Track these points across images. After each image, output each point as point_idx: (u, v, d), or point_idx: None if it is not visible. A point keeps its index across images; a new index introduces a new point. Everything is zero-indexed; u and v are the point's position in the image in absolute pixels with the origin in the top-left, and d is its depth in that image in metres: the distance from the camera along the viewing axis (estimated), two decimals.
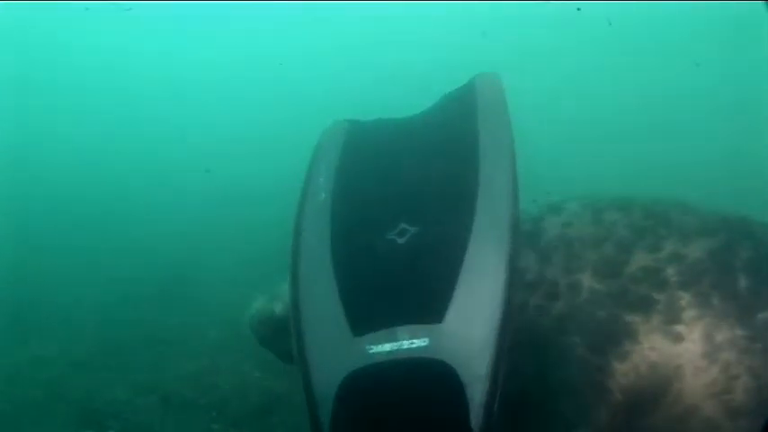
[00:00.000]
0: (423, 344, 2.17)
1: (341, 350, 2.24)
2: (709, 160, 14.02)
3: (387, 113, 3.30)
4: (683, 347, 2.65)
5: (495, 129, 2.73)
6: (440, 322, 2.21)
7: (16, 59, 21.99)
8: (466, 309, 2.23)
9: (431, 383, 2.16)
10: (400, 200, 2.61)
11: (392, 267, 2.40)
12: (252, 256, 10.03)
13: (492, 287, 2.26)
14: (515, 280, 2.31)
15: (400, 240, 2.44)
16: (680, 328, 2.67)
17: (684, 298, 2.72)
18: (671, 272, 2.78)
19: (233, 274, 9.15)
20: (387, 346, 2.19)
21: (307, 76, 22.92)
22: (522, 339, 2.41)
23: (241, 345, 6.29)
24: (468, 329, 2.20)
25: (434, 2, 21.12)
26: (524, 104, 3.62)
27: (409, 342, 2.18)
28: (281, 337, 3.27)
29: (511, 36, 19.26)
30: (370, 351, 2.20)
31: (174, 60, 25.53)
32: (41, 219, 13.10)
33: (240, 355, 6.01)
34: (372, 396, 2.20)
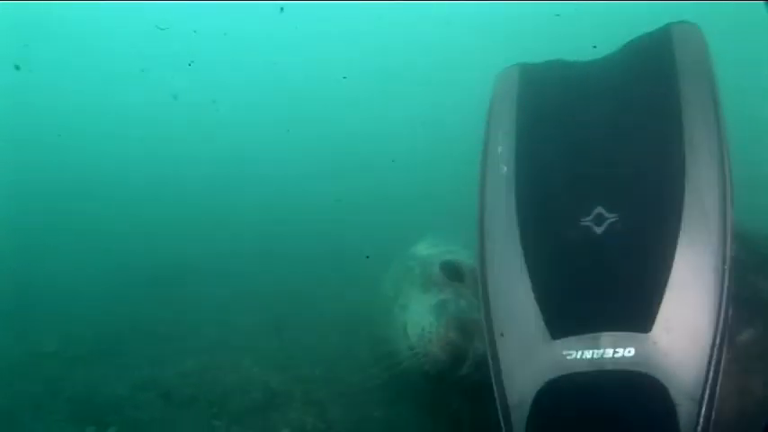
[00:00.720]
0: (628, 354, 2.02)
1: (538, 355, 2.10)
2: None
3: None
4: None
5: (701, 100, 2.34)
6: (647, 332, 2.03)
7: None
8: (677, 319, 2.02)
9: (637, 399, 2.00)
10: (593, 177, 2.33)
11: (590, 262, 2.19)
12: (245, 247, 10.06)
13: (706, 296, 2.03)
14: (731, 291, 2.06)
15: (597, 230, 2.20)
16: None
17: None
18: None
19: (227, 266, 9.17)
20: (588, 354, 2.05)
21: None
22: None
23: (239, 341, 6.33)
24: (680, 343, 2.00)
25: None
26: None
27: (613, 351, 2.03)
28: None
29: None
30: (569, 357, 2.07)
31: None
32: (34, 211, 13.02)
33: (239, 351, 6.01)
34: (572, 408, 2.07)
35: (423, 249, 3.44)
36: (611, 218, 2.21)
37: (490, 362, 2.21)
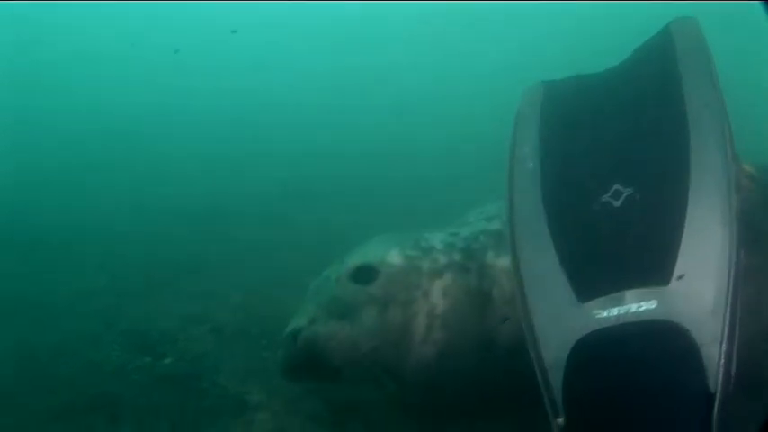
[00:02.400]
0: (651, 306, 2.17)
1: (568, 317, 2.28)
2: None
3: None
4: None
5: (698, 79, 2.63)
6: (667, 284, 2.20)
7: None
8: (693, 269, 2.20)
9: (664, 346, 2.16)
10: (610, 161, 2.59)
11: (611, 231, 2.41)
12: (286, 187, 10.17)
13: (717, 247, 2.22)
14: (741, 239, 2.26)
15: (615, 203, 2.44)
16: None
17: None
18: None
19: (270, 205, 9.29)
20: (614, 311, 2.21)
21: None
22: None
23: (284, 277, 6.41)
24: (698, 290, 2.17)
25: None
26: None
27: (637, 305, 2.19)
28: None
29: None
30: (598, 316, 2.23)
31: None
32: (84, 150, 13.26)
33: (283, 286, 6.09)
34: (604, 361, 2.22)
35: None
36: (628, 192, 2.46)
37: (525, 330, 2.40)
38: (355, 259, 3.57)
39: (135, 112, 16.61)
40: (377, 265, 3.48)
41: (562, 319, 2.29)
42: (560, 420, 2.19)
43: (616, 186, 2.46)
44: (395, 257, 3.50)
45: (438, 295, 3.40)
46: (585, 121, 2.84)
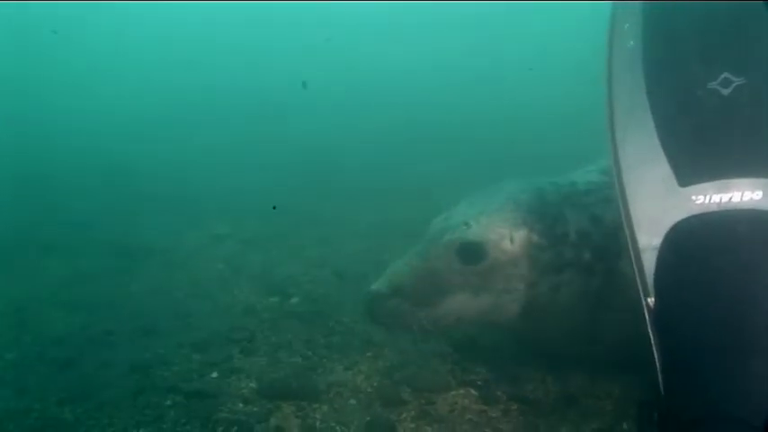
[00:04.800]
0: (756, 197, 2.15)
1: (667, 200, 2.26)
2: None
3: None
4: None
5: None
6: None
7: None
8: None
9: (765, 237, 2.13)
10: (721, 48, 2.46)
11: (718, 119, 2.33)
12: (388, 144, 10.22)
13: None
14: None
15: (724, 91, 2.33)
16: None
17: None
18: None
19: (376, 159, 9.37)
20: (716, 198, 2.19)
21: None
22: None
23: (395, 228, 6.51)
24: None
25: None
26: None
27: (741, 194, 2.17)
28: None
29: None
30: (698, 202, 2.22)
31: None
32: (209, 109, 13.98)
33: (398, 236, 6.18)
34: (700, 246, 2.21)
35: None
36: (738, 81, 2.32)
37: (621, 209, 2.36)
38: (472, 228, 3.32)
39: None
40: (489, 248, 3.25)
41: (660, 201, 2.27)
42: (650, 301, 2.22)
43: (725, 74, 2.34)
44: (514, 242, 3.28)
45: (545, 288, 3.29)
46: (696, 5, 2.64)
